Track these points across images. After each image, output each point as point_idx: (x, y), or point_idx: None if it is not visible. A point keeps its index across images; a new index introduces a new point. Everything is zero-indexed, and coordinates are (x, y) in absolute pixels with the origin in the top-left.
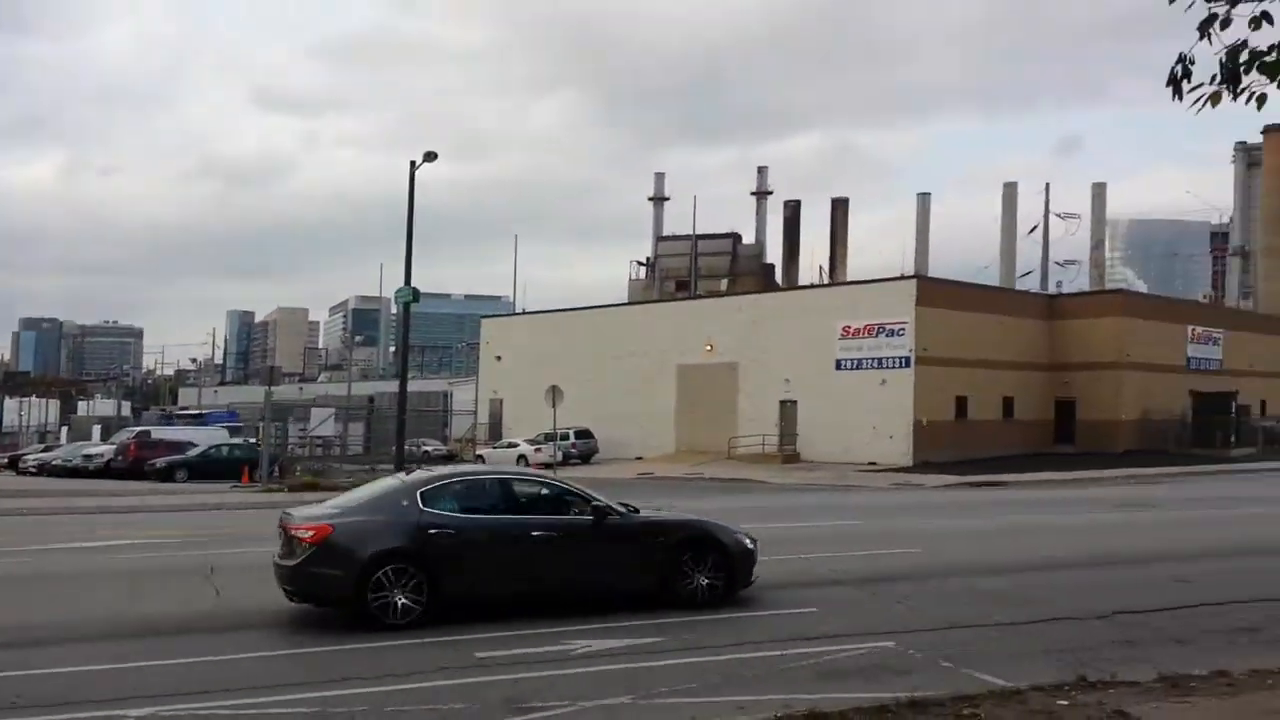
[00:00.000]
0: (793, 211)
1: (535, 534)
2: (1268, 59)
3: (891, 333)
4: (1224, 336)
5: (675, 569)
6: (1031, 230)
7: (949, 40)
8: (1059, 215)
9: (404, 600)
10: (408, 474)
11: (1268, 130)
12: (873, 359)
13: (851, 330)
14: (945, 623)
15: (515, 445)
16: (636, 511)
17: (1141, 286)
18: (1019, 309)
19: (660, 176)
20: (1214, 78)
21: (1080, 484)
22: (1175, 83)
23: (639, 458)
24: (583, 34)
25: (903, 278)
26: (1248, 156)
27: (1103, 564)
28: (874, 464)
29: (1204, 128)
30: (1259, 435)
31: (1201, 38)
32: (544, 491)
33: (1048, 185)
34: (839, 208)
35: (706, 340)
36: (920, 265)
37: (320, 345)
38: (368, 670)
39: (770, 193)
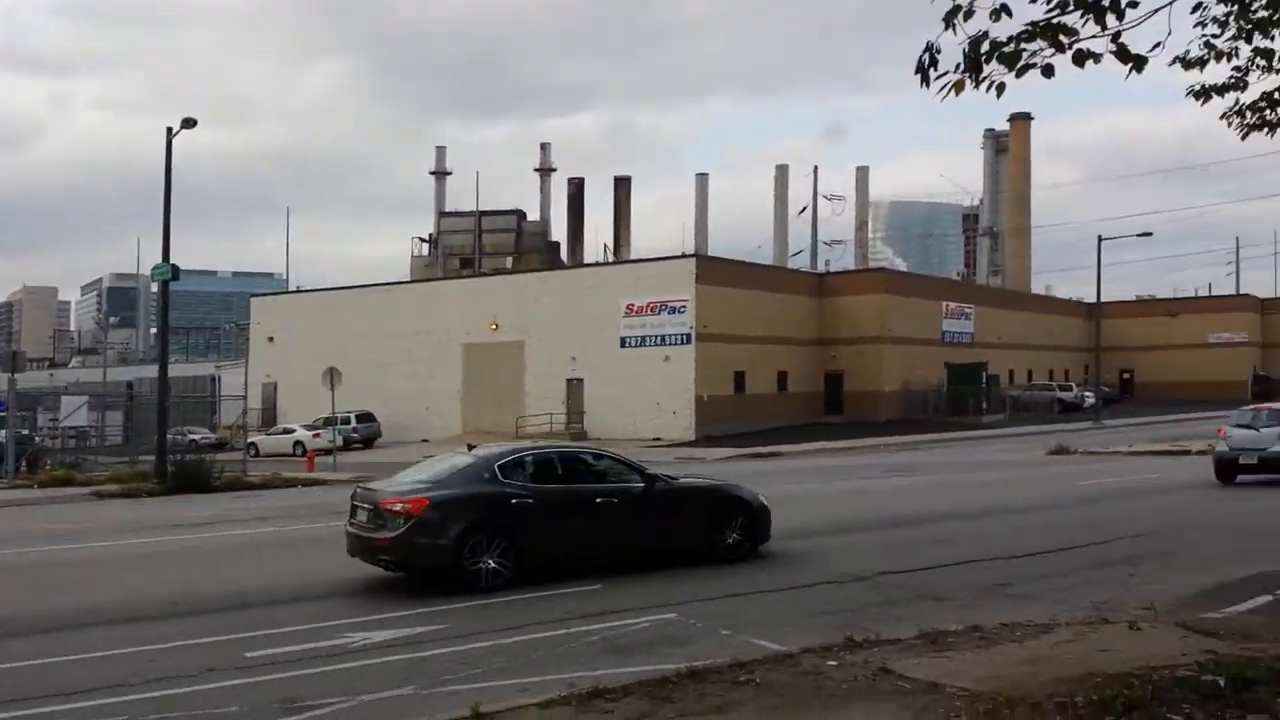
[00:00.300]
0: (576, 189)
1: (598, 500)
2: (1006, 49)
3: (673, 310)
4: (975, 311)
5: (713, 528)
6: (801, 211)
7: (725, 23)
8: (826, 197)
9: (493, 564)
10: (470, 449)
11: (1014, 118)
12: (656, 336)
13: (635, 308)
14: (724, 592)
15: (291, 431)
16: (676, 479)
17: (901, 265)
18: (791, 286)
19: (441, 150)
20: (958, 66)
21: (849, 452)
22: (923, 71)
23: (424, 440)
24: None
25: (683, 256)
26: (996, 143)
27: (869, 528)
28: (659, 439)
29: (958, 115)
30: (1007, 403)
31: (947, 28)
32: (598, 462)
33: (816, 168)
34: (621, 186)
35: (491, 319)
36: (700, 244)
37: (72, 328)
38: (130, 677)
39: (554, 169)
